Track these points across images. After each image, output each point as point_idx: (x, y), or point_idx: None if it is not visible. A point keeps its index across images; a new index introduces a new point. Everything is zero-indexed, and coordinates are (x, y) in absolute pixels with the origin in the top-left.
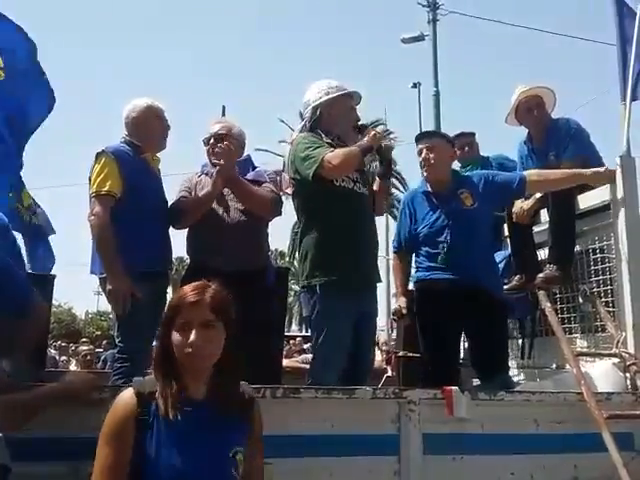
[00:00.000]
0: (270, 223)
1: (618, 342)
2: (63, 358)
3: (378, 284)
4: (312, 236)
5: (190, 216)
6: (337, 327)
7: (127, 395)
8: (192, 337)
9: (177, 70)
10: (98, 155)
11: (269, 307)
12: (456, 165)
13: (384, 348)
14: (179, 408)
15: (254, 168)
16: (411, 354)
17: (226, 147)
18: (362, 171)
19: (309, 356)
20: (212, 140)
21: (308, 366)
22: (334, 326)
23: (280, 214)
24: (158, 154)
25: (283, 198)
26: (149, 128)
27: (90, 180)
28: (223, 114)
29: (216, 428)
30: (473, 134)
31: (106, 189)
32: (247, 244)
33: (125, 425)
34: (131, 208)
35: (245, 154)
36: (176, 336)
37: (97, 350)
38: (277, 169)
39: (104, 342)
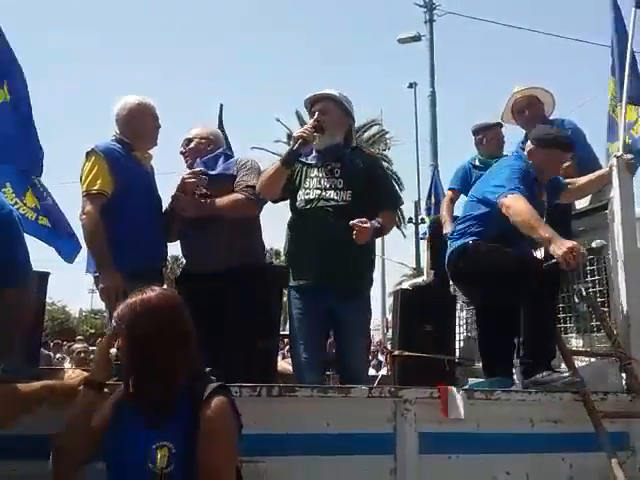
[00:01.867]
0: (265, 222)
1: (614, 342)
2: (58, 356)
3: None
4: (285, 248)
5: (172, 233)
6: (300, 328)
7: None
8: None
9: (177, 70)
10: (88, 154)
11: (257, 306)
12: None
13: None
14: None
15: (227, 158)
16: (407, 353)
17: (188, 199)
18: (331, 171)
19: None
20: (190, 144)
21: None
22: (296, 327)
23: (261, 207)
24: (150, 151)
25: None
26: (139, 125)
27: (81, 179)
28: (221, 112)
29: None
30: (496, 125)
31: (97, 188)
32: (232, 244)
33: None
34: (122, 206)
35: (220, 150)
36: None
37: (92, 348)
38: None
39: (98, 341)
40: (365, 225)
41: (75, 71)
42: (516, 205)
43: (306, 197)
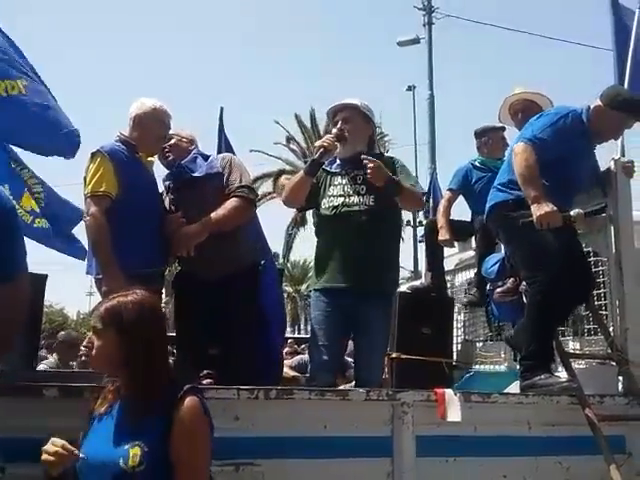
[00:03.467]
0: (264, 224)
1: (611, 345)
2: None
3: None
4: (315, 252)
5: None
6: (321, 329)
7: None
8: (91, 341)
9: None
10: (93, 155)
11: (253, 308)
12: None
13: None
14: (104, 404)
15: (205, 157)
16: (405, 356)
17: (185, 236)
18: (354, 179)
19: (305, 356)
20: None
21: (302, 375)
22: (316, 329)
23: (255, 206)
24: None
25: (278, 199)
26: (147, 129)
27: (85, 180)
28: (221, 115)
29: (124, 422)
30: (501, 128)
31: (102, 189)
32: (226, 247)
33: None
34: (126, 208)
35: (195, 151)
36: None
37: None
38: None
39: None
40: (373, 162)
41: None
42: (521, 156)
43: (330, 204)
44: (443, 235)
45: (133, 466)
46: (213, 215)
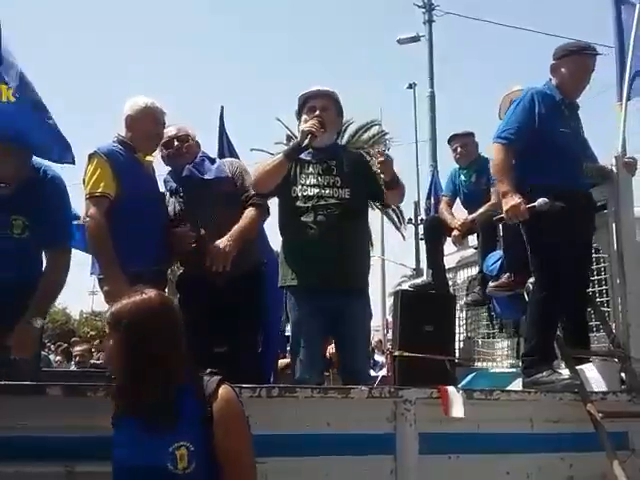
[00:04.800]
0: (265, 223)
1: (613, 342)
2: (58, 358)
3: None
4: (281, 246)
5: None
6: (301, 329)
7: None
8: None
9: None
10: (91, 156)
11: (256, 307)
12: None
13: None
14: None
15: (211, 160)
16: (407, 353)
17: (215, 252)
18: (327, 169)
19: None
20: (175, 142)
21: None
22: (296, 328)
23: (269, 213)
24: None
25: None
26: (141, 129)
27: (84, 181)
28: (222, 115)
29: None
30: (468, 134)
31: (100, 190)
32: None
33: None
34: (126, 208)
35: (201, 153)
36: None
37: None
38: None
39: (95, 342)
40: (384, 156)
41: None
42: (494, 156)
43: (304, 194)
44: (454, 224)
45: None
46: (239, 228)
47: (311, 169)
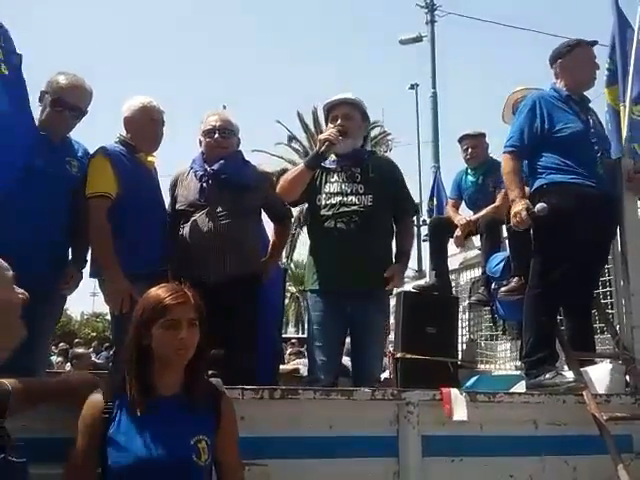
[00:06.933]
0: (266, 224)
1: (617, 343)
2: (59, 359)
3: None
4: (308, 251)
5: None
6: (319, 331)
7: (95, 394)
8: (183, 334)
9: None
10: (92, 157)
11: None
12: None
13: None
14: (146, 401)
15: (244, 161)
16: (410, 355)
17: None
18: (351, 176)
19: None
20: (216, 134)
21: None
22: (314, 330)
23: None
24: (154, 154)
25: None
26: (139, 128)
27: (85, 181)
28: None
29: (180, 419)
30: (479, 135)
31: (101, 190)
32: (235, 250)
33: (91, 421)
34: (127, 208)
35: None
36: (163, 334)
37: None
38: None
39: (94, 343)
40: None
41: None
42: (503, 165)
43: (327, 202)
44: (461, 220)
45: (205, 459)
46: (276, 247)
47: (335, 177)
